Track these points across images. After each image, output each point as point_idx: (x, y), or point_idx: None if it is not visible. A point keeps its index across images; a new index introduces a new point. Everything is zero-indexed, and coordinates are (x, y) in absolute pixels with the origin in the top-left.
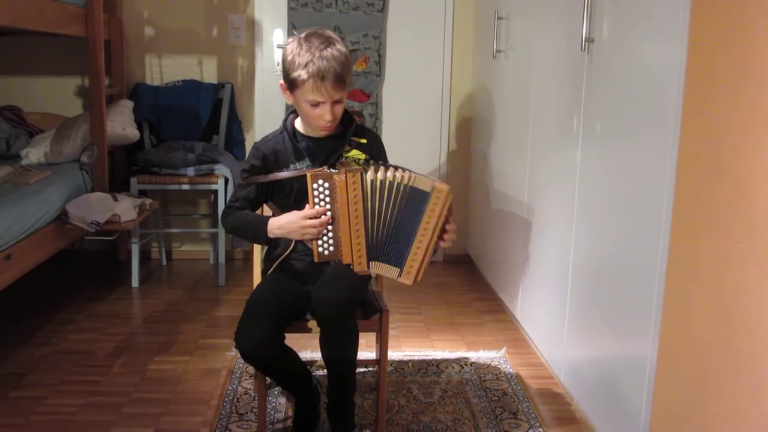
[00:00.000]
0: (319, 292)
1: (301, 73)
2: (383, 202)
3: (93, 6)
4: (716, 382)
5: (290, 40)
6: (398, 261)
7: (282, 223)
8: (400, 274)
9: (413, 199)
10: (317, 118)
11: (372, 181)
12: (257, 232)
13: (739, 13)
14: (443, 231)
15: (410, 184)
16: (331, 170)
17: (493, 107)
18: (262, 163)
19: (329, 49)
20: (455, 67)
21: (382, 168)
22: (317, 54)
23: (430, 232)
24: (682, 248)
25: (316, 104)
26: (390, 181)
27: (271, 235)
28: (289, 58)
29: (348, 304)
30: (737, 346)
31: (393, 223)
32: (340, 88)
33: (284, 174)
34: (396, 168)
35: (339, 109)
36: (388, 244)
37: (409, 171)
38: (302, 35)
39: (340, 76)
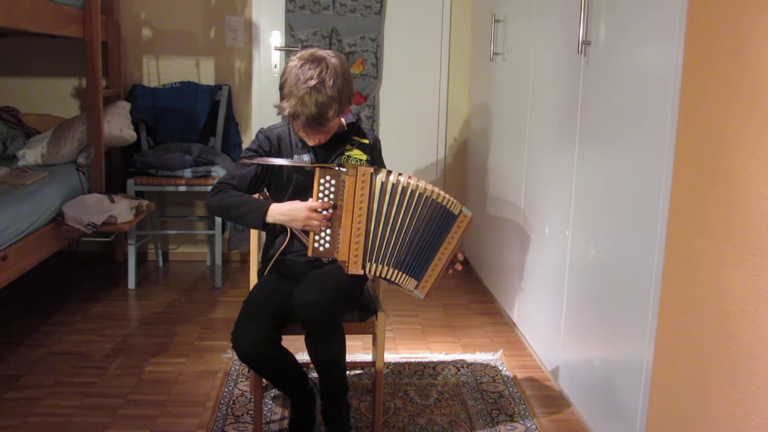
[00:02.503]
0: (300, 293)
1: (283, 105)
2: (393, 207)
3: (90, 7)
4: (712, 384)
5: (294, 57)
6: (418, 274)
7: (286, 210)
8: (417, 286)
9: (439, 216)
10: (302, 136)
11: (382, 183)
12: (252, 212)
13: (734, 16)
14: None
15: (439, 201)
16: (340, 168)
17: (490, 110)
18: (268, 146)
19: (314, 92)
20: (452, 69)
21: (394, 173)
22: (300, 93)
23: (449, 252)
24: (678, 250)
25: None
26: (404, 188)
27: (270, 219)
28: (284, 78)
29: (330, 306)
30: (733, 348)
31: (413, 234)
32: (315, 129)
33: (289, 162)
34: (411, 176)
35: (324, 137)
36: (407, 255)
37: (428, 184)
38: (304, 58)
39: (315, 120)
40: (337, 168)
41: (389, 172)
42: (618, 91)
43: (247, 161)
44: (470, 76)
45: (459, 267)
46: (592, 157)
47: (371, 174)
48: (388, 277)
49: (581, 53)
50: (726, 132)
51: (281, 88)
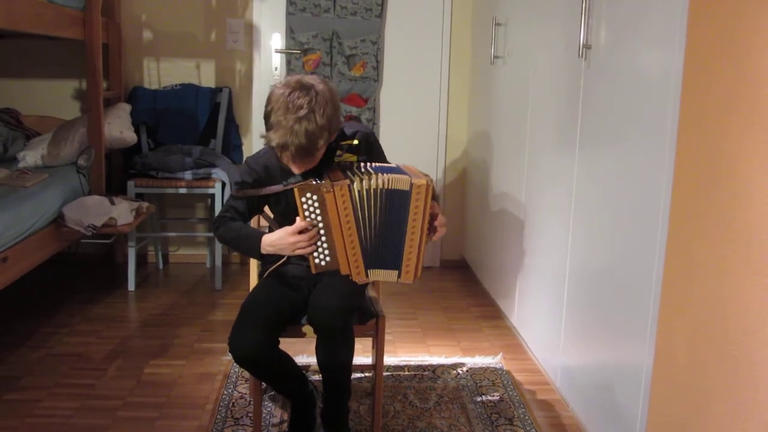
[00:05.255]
0: (316, 299)
1: (271, 136)
2: (371, 210)
3: (91, 9)
4: (712, 388)
5: (280, 85)
6: (395, 263)
7: (273, 240)
8: (399, 276)
9: (396, 201)
10: (290, 166)
11: (359, 191)
12: (250, 247)
13: (736, 19)
14: (432, 225)
15: (389, 186)
16: (318, 182)
17: (490, 113)
18: (254, 179)
19: (303, 121)
20: (453, 72)
21: (366, 176)
22: (289, 123)
23: (419, 228)
24: (678, 254)
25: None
26: (374, 189)
27: (263, 251)
28: (270, 106)
29: (345, 312)
30: (733, 352)
31: (383, 229)
32: (305, 159)
33: (275, 188)
34: (379, 172)
35: (310, 164)
36: (383, 249)
37: (389, 174)
38: (291, 85)
39: (305, 150)
40: (315, 182)
41: (362, 179)
42: (618, 95)
43: (237, 194)
44: (471, 80)
45: (435, 237)
46: (593, 161)
47: (348, 186)
48: (378, 278)
49: (582, 57)
50: (727, 135)
51: (267, 117)
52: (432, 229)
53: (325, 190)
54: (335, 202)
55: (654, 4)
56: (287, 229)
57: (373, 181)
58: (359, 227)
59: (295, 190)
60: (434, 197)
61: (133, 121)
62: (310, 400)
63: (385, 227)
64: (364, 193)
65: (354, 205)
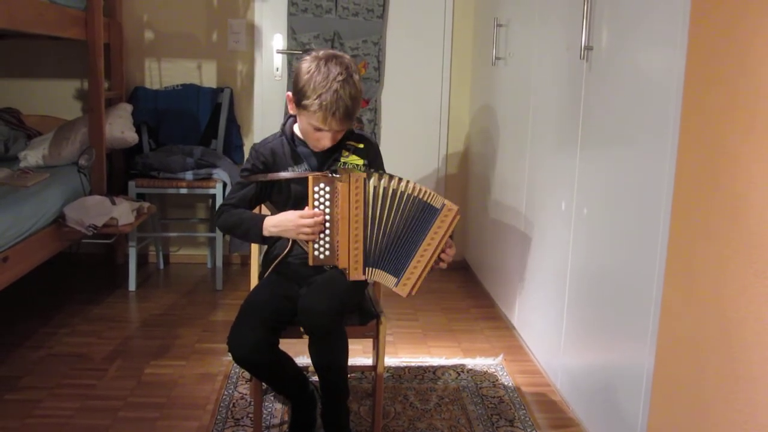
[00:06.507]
0: (305, 300)
1: (313, 103)
2: (385, 210)
3: (93, 9)
4: (713, 390)
5: (308, 57)
6: (397, 271)
7: (278, 221)
8: (396, 284)
9: (421, 213)
10: (316, 140)
11: (375, 188)
12: (252, 229)
13: (737, 21)
14: (442, 251)
15: (420, 197)
16: (334, 175)
17: (491, 114)
18: (262, 162)
19: (346, 85)
20: (454, 73)
21: (386, 176)
22: (334, 87)
23: (433, 248)
24: (679, 256)
25: (319, 129)
26: (394, 190)
27: (266, 232)
28: (305, 77)
29: (335, 313)
30: (734, 354)
31: (395, 233)
32: (347, 123)
33: (285, 174)
34: (401, 179)
35: (339, 136)
36: (388, 252)
37: (425, 186)
38: (321, 57)
39: (349, 114)
40: (330, 175)
41: (381, 177)
42: (620, 97)
43: (244, 180)
44: (472, 81)
45: (443, 264)
46: (594, 162)
47: (364, 179)
48: (375, 278)
49: (583, 58)
50: (728, 137)
51: (302, 90)
52: (440, 256)
53: (339, 181)
54: (348, 194)
55: (655, 6)
56: (295, 211)
57: (393, 183)
58: (367, 223)
59: (310, 177)
60: (451, 234)
61: (135, 121)
62: (311, 401)
63: (399, 233)
64: (380, 191)
65: (366, 200)
